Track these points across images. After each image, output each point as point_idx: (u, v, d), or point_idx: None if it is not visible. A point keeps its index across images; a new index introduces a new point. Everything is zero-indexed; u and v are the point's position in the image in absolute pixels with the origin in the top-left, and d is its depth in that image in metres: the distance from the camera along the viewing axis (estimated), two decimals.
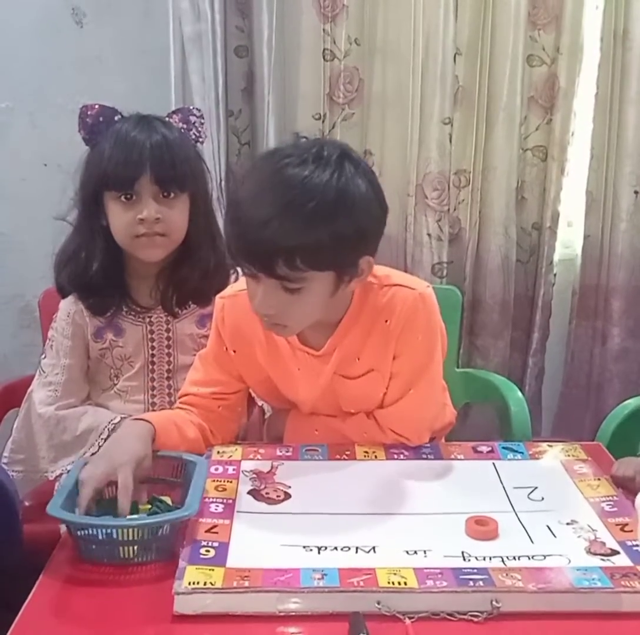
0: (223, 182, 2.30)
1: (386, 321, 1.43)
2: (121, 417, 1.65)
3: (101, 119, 1.67)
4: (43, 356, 1.77)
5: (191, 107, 1.81)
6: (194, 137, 1.74)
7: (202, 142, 1.78)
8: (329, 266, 1.28)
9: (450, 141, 2.36)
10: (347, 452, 1.44)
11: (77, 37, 2.32)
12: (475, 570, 1.07)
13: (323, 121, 2.34)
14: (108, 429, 1.64)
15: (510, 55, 2.32)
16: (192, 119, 1.74)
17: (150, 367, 1.75)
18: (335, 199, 1.24)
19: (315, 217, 1.23)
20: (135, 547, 1.15)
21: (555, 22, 2.33)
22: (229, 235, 1.33)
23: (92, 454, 1.48)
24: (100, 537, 1.15)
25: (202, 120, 1.77)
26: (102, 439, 1.62)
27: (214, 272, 1.71)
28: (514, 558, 1.11)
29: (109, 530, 1.15)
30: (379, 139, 2.39)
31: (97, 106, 1.67)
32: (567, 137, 2.39)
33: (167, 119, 1.71)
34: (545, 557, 1.11)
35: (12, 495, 1.47)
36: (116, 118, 1.68)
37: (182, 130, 1.71)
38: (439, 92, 2.32)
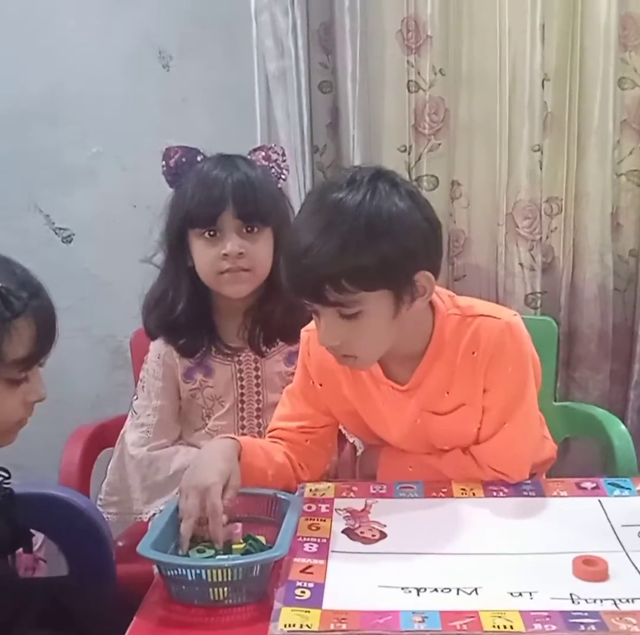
0: None
1: (473, 353, 1.38)
2: None
3: (184, 160, 1.69)
4: (135, 397, 1.78)
5: (273, 145, 1.81)
6: (275, 174, 1.74)
7: (284, 180, 1.78)
8: (380, 285, 1.26)
9: (541, 168, 2.30)
10: (444, 490, 1.39)
11: (164, 79, 2.36)
12: (586, 614, 1.01)
13: (409, 153, 2.32)
14: None
15: (601, 78, 2.26)
16: (274, 156, 1.75)
17: (240, 405, 1.74)
18: (369, 219, 1.23)
19: (352, 239, 1.22)
20: (226, 589, 1.12)
21: None
22: (282, 272, 1.34)
23: None
24: (189, 577, 1.12)
25: (284, 158, 1.77)
26: None
27: (300, 307, 1.69)
28: (628, 601, 1.04)
29: (198, 571, 1.12)
30: (467, 168, 2.36)
31: (179, 148, 1.69)
32: None
33: (249, 156, 1.72)
34: None
35: (106, 537, 1.48)
36: (198, 158, 1.69)
37: (265, 168, 1.72)
38: (527, 119, 2.27)
